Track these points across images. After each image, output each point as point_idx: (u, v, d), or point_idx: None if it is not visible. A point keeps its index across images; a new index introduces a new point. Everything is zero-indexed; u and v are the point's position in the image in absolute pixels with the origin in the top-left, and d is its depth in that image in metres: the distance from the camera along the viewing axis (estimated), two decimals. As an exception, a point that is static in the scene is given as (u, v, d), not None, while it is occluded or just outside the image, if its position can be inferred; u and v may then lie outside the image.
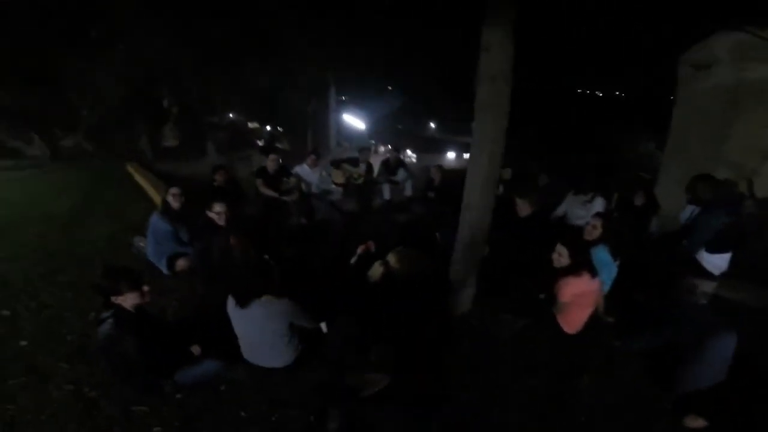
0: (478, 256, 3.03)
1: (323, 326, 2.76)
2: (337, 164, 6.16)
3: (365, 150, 6.67)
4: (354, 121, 13.93)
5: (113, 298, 2.19)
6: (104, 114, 6.61)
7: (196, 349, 2.41)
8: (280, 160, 5.63)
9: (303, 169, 5.68)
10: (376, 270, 2.69)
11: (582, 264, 2.72)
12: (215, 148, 12.01)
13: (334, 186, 5.84)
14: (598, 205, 4.75)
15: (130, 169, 10.66)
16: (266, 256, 2.65)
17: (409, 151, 32.41)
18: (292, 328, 2.30)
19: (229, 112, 26.78)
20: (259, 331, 2.22)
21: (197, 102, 10.64)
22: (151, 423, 2.10)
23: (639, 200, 4.69)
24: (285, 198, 5.12)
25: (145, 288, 2.26)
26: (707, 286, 3.21)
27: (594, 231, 3.28)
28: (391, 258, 2.72)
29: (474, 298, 3.19)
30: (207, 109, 12.00)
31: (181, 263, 3.90)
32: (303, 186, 5.57)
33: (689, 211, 4.03)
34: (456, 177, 6.51)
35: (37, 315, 3.43)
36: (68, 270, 4.31)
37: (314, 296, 3.04)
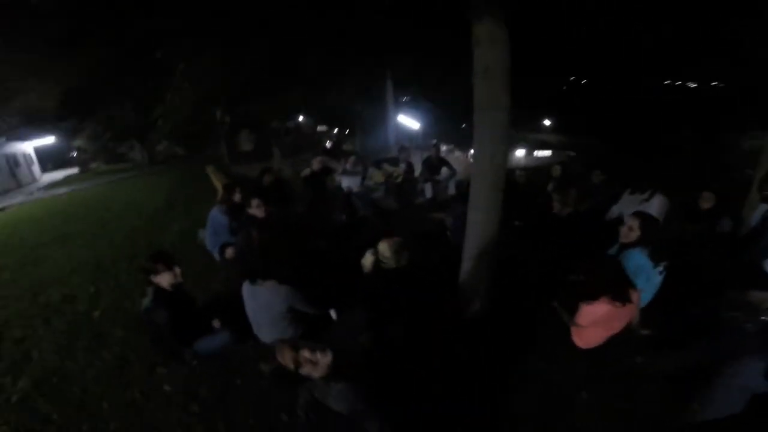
0: (488, 257, 2.90)
1: (333, 313, 2.98)
2: (378, 164, 6.38)
3: (405, 149, 6.77)
4: (408, 121, 14.05)
5: (152, 277, 2.63)
6: (176, 124, 7.58)
7: (216, 323, 2.78)
8: (325, 162, 6.00)
9: (346, 170, 6.01)
10: (368, 259, 2.73)
11: (601, 287, 2.40)
12: (280, 151, 13.00)
13: (372, 184, 6.04)
14: (656, 205, 4.30)
15: (208, 170, 12.04)
16: (283, 248, 2.91)
17: (472, 150, 31.70)
18: (293, 311, 2.54)
19: (298, 118, 28.70)
20: (264, 310, 2.49)
21: (265, 111, 11.63)
22: (163, 381, 2.52)
23: (707, 203, 4.17)
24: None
25: (177, 270, 2.67)
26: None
27: (630, 233, 2.87)
28: (382, 247, 2.71)
29: (487, 301, 3.06)
30: (274, 116, 13.02)
31: (229, 251, 4.39)
32: (346, 185, 5.88)
33: (761, 212, 3.50)
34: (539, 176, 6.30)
35: (114, 292, 4.17)
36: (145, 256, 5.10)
37: (329, 285, 3.28)
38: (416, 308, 2.58)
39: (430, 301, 2.76)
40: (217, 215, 4.47)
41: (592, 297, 2.39)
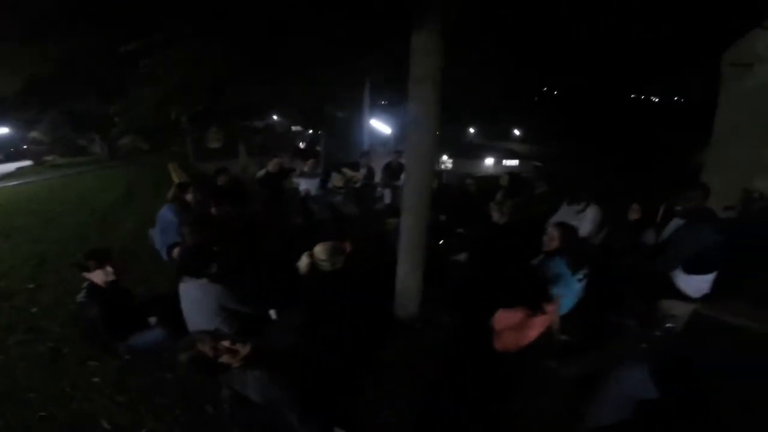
0: (419, 259, 3.11)
1: (272, 314, 3.11)
2: (338, 168, 6.54)
3: (366, 155, 6.96)
4: (380, 126, 14.27)
5: (85, 274, 2.70)
6: (136, 118, 7.44)
7: (152, 320, 2.85)
8: (283, 163, 6.10)
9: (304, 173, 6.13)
10: (303, 261, 2.84)
11: (518, 296, 2.63)
12: (246, 150, 12.93)
13: (331, 187, 6.18)
14: (590, 215, 4.63)
15: (170, 167, 11.84)
16: (214, 248, 3.01)
17: (445, 157, 32.30)
18: (226, 310, 2.66)
19: (273, 116, 28.38)
20: (197, 308, 2.59)
21: (235, 108, 11.52)
22: (94, 374, 2.58)
23: (634, 214, 4.51)
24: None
25: (109, 268, 2.76)
26: (681, 309, 3.05)
27: (551, 242, 3.07)
28: (317, 249, 2.84)
29: (419, 304, 3.23)
30: (245, 114, 12.90)
31: (176, 251, 4.43)
32: (303, 188, 6.00)
33: (675, 225, 3.85)
34: (490, 185, 6.58)
35: (55, 288, 4.13)
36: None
37: (273, 286, 3.41)
38: (349, 310, 2.74)
39: (364, 304, 2.91)
40: (166, 213, 4.49)
41: (509, 304, 2.60)
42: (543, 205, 5.38)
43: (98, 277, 2.71)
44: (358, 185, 6.35)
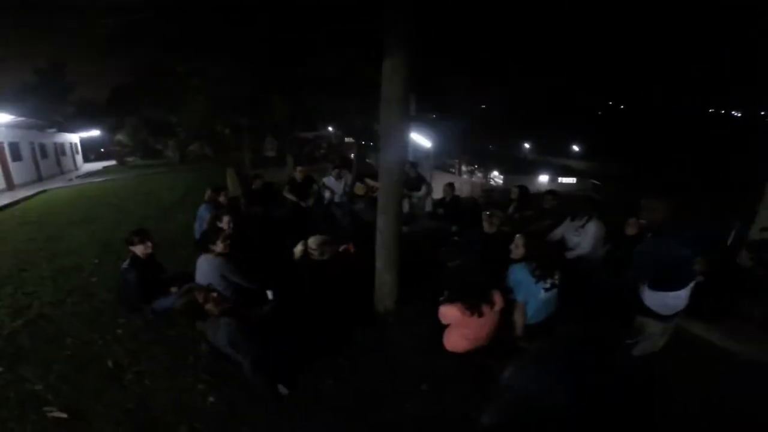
0: (392, 256, 3.48)
1: (269, 293, 3.74)
2: (360, 178, 7.15)
3: (414, 166, 7.52)
4: (421, 139, 14.74)
5: (130, 247, 3.52)
6: (194, 129, 8.68)
7: (174, 289, 3.59)
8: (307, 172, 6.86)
9: (329, 180, 6.81)
10: (298, 249, 3.44)
11: (456, 294, 2.74)
12: (294, 160, 14.09)
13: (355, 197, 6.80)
14: (590, 230, 4.71)
15: (228, 172, 13.31)
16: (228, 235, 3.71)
17: (495, 172, 31.86)
18: (226, 281, 3.31)
19: (328, 128, 30.09)
20: (204, 276, 3.25)
21: (284, 120, 12.70)
22: (119, 327, 3.38)
23: (631, 229, 4.56)
24: (302, 204, 6.31)
25: (149, 243, 3.55)
26: (652, 327, 2.86)
27: (517, 249, 3.22)
28: (310, 240, 3.44)
29: (394, 299, 3.58)
30: (293, 125, 14.10)
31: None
32: (328, 195, 6.68)
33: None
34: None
35: (113, 265, 5.10)
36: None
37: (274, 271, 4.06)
38: (329, 295, 3.22)
39: (343, 292, 3.34)
40: (203, 211, 5.38)
41: (449, 301, 2.77)
42: (547, 219, 5.51)
43: (139, 249, 3.49)
44: (376, 194, 6.91)
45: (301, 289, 3.35)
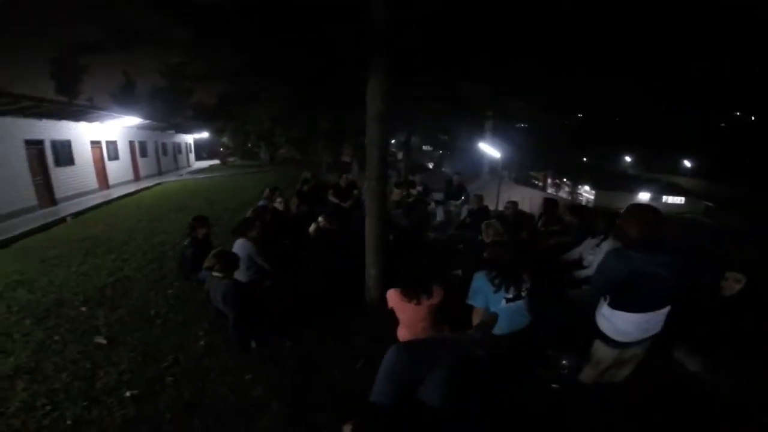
0: (380, 254, 3.99)
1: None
2: (398, 184, 7.86)
3: (457, 174, 8.13)
4: (490, 150, 14.90)
5: (191, 229, 4.74)
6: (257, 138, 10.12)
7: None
8: (350, 178, 7.81)
9: (371, 186, 7.70)
10: (313, 227, 4.49)
11: (402, 280, 2.94)
12: (359, 166, 15.33)
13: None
14: (605, 248, 4.70)
15: (302, 174, 15.07)
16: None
17: (587, 187, 29.52)
18: (251, 261, 4.25)
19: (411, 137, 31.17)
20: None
21: (352, 127, 13.96)
22: (171, 289, 4.58)
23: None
24: (343, 204, 7.27)
25: (206, 228, 4.71)
26: (603, 352, 2.55)
27: (485, 233, 3.71)
28: (321, 220, 4.48)
29: (379, 290, 3.98)
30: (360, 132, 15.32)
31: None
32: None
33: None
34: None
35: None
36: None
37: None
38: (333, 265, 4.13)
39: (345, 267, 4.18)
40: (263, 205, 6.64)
41: (394, 285, 3.06)
42: (567, 235, 5.55)
43: (198, 232, 4.68)
44: (411, 200, 7.57)
45: (306, 270, 4.26)
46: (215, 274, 3.37)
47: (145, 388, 2.85)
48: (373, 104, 3.71)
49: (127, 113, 15.43)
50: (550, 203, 6.40)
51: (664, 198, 26.26)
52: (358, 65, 3.85)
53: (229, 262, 3.42)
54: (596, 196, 27.24)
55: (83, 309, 4.19)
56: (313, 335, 3.50)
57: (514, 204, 6.53)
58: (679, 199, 26.14)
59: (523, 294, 2.90)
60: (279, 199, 6.80)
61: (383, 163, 3.92)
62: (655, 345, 2.58)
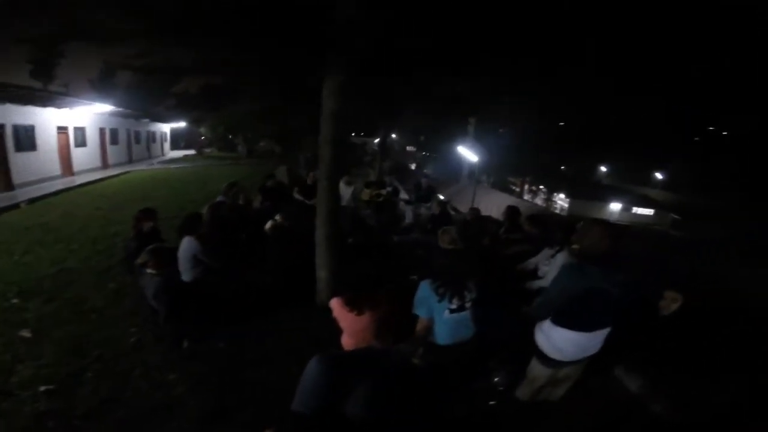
0: (329, 257, 3.97)
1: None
2: (369, 184, 7.82)
3: (425, 177, 8.06)
4: (468, 153, 14.97)
5: (138, 223, 4.58)
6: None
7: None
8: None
9: (339, 186, 7.62)
10: (269, 224, 4.48)
11: (345, 293, 2.94)
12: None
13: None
14: (559, 263, 4.75)
15: (278, 170, 14.84)
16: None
17: (562, 195, 30.17)
18: (196, 259, 4.15)
19: (392, 135, 31.24)
20: (182, 253, 4.14)
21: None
22: (113, 282, 4.52)
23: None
24: (307, 202, 7.17)
25: (151, 222, 4.58)
26: (536, 370, 2.51)
27: (441, 239, 3.70)
28: (278, 217, 4.51)
29: (332, 295, 4.01)
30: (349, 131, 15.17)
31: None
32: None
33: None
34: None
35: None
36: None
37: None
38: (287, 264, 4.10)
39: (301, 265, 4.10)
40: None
41: (338, 294, 3.01)
42: (527, 244, 5.62)
43: (145, 225, 4.54)
44: (380, 200, 7.53)
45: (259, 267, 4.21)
46: (149, 270, 3.26)
47: (63, 383, 2.76)
48: (327, 101, 3.68)
49: (104, 101, 14.92)
50: (512, 211, 6.43)
51: (635, 209, 27.07)
52: (316, 63, 3.80)
53: (162, 259, 3.31)
54: (570, 204, 27.84)
55: (15, 301, 4.01)
56: (253, 334, 3.43)
57: (476, 210, 6.57)
58: (648, 211, 26.97)
59: (466, 305, 2.81)
60: (241, 195, 6.61)
61: (335, 162, 3.89)
62: (593, 365, 2.53)
